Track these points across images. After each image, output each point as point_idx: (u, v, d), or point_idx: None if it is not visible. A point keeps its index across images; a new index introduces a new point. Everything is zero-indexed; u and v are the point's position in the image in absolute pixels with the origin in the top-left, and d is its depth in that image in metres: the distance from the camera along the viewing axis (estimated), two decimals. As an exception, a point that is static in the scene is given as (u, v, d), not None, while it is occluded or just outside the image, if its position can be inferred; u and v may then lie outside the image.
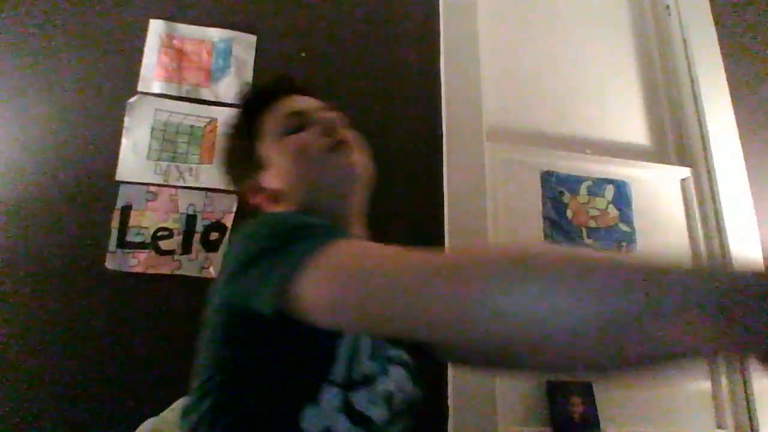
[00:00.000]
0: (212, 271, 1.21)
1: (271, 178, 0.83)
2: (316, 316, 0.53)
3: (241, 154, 0.88)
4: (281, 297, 0.53)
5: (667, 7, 1.85)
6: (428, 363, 0.81)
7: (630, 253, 0.44)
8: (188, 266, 1.21)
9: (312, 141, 0.80)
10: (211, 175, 1.28)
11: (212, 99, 1.34)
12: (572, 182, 1.56)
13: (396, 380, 0.72)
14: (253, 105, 0.88)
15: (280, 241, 0.58)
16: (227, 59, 1.38)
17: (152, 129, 1.29)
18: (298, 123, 0.82)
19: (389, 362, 0.73)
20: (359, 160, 0.83)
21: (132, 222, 1.21)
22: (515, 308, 0.43)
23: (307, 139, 0.81)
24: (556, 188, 1.54)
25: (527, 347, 0.52)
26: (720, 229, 1.57)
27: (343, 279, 0.52)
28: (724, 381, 1.46)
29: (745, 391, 1.44)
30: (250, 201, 0.87)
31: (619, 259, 0.45)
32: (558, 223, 1.51)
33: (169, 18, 1.38)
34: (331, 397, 0.62)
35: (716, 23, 1.81)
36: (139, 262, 1.19)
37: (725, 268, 0.42)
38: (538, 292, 0.43)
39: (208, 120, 1.33)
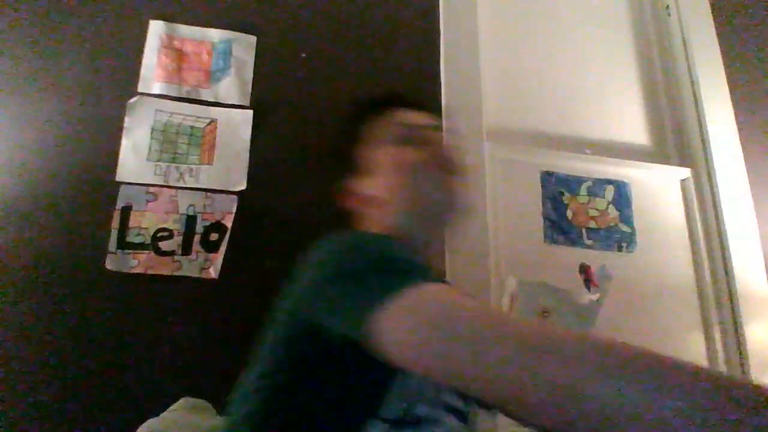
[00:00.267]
0: (212, 272, 1.21)
1: (372, 185, 0.82)
2: (394, 353, 0.52)
3: (343, 155, 0.88)
4: (359, 325, 0.53)
5: (667, 7, 1.84)
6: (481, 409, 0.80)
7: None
8: (188, 267, 1.21)
9: (429, 158, 0.79)
10: (211, 175, 1.28)
11: (212, 100, 1.34)
12: (572, 182, 1.56)
13: (449, 430, 0.70)
14: (364, 110, 0.88)
15: (370, 267, 0.58)
16: (227, 60, 1.38)
17: (152, 130, 1.29)
18: (413, 136, 0.81)
19: (446, 409, 0.71)
20: (465, 191, 0.81)
21: (132, 223, 1.22)
22: (621, 407, 0.40)
23: (424, 155, 0.79)
24: (556, 188, 1.54)
25: None
26: (720, 230, 1.57)
27: (433, 327, 0.50)
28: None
29: (746, 392, 1.44)
30: (340, 202, 0.87)
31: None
32: (558, 223, 1.51)
33: (169, 19, 1.38)
34: (375, 431, 0.62)
35: (716, 23, 1.81)
36: (139, 262, 1.19)
37: None
38: (634, 397, 0.40)
39: (208, 121, 1.33)
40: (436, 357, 0.49)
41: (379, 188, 0.81)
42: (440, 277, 0.69)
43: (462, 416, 0.75)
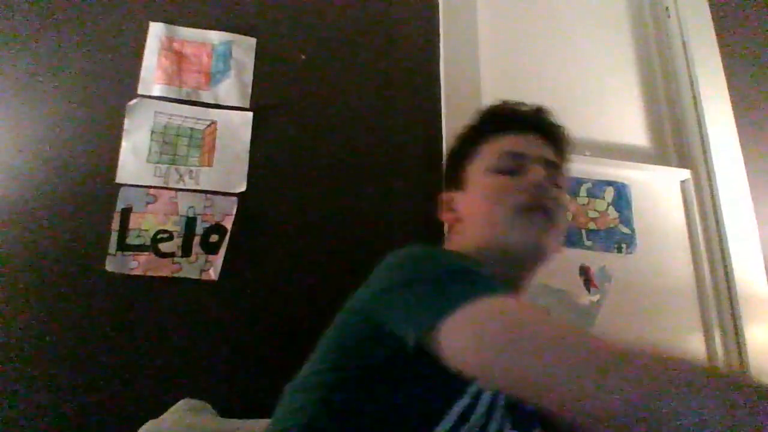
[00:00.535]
0: (212, 274, 1.21)
1: (463, 204, 0.83)
2: (458, 359, 0.53)
3: (452, 165, 0.88)
4: (429, 329, 0.54)
5: (667, 8, 1.84)
6: None
7: None
8: (188, 269, 1.21)
9: (514, 192, 0.76)
10: (211, 177, 1.29)
11: (212, 102, 1.34)
12: (572, 184, 1.56)
13: None
14: (486, 123, 0.87)
15: (443, 275, 0.59)
16: (227, 62, 1.38)
17: (152, 131, 1.29)
18: (513, 166, 0.79)
19: None
20: (551, 236, 0.78)
21: (132, 224, 1.22)
22: (691, 419, 0.41)
23: (510, 188, 0.77)
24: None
25: None
26: (720, 231, 1.57)
27: (498, 334, 0.51)
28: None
29: (745, 393, 1.44)
30: (438, 214, 0.87)
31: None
32: (558, 224, 1.50)
33: (169, 21, 1.38)
34: None
35: (716, 25, 1.81)
36: (138, 264, 1.19)
37: None
38: (708, 414, 0.40)
39: (208, 122, 1.33)
40: (502, 364, 0.50)
41: (465, 209, 0.82)
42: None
43: None
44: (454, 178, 0.87)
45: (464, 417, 0.63)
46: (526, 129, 0.85)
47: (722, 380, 0.43)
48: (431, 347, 0.54)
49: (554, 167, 0.83)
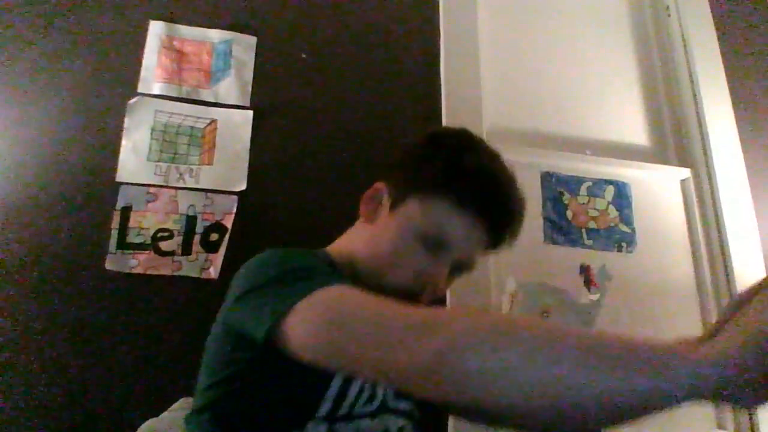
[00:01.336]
0: (212, 272, 1.21)
1: (380, 226, 0.78)
2: (299, 350, 0.56)
3: (405, 167, 0.81)
4: (273, 328, 0.57)
5: (667, 7, 1.84)
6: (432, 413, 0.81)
7: (627, 337, 0.45)
8: (188, 267, 1.21)
9: (415, 275, 0.73)
10: (211, 176, 1.29)
11: (212, 100, 1.35)
12: (572, 183, 1.56)
13: (386, 427, 0.72)
14: (464, 184, 0.74)
15: (284, 276, 0.62)
16: (227, 60, 1.38)
17: (152, 130, 1.29)
18: (438, 250, 0.73)
19: (387, 412, 0.73)
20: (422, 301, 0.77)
21: (132, 223, 1.22)
22: (488, 374, 0.43)
23: (414, 268, 0.73)
24: (556, 189, 1.54)
25: (507, 414, 0.48)
26: (720, 230, 1.57)
27: (326, 320, 0.55)
28: (724, 381, 1.45)
29: (746, 392, 1.44)
30: (363, 201, 0.84)
31: (623, 343, 0.44)
32: (558, 223, 1.51)
33: (169, 19, 1.38)
34: (316, 428, 0.65)
35: (716, 24, 1.81)
36: (139, 263, 1.19)
37: (716, 350, 0.41)
38: (516, 362, 0.43)
39: (208, 121, 1.33)
40: (331, 348, 0.54)
41: (377, 234, 0.78)
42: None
43: (412, 418, 0.78)
44: (396, 185, 0.80)
45: (342, 394, 0.67)
46: (490, 237, 0.76)
47: (543, 334, 0.44)
48: (278, 344, 0.57)
49: (461, 270, 0.78)
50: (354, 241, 0.82)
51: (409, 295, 0.72)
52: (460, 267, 0.77)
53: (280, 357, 0.58)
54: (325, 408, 0.65)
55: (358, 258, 0.78)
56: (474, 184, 0.74)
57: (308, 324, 0.55)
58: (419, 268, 0.74)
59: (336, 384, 0.66)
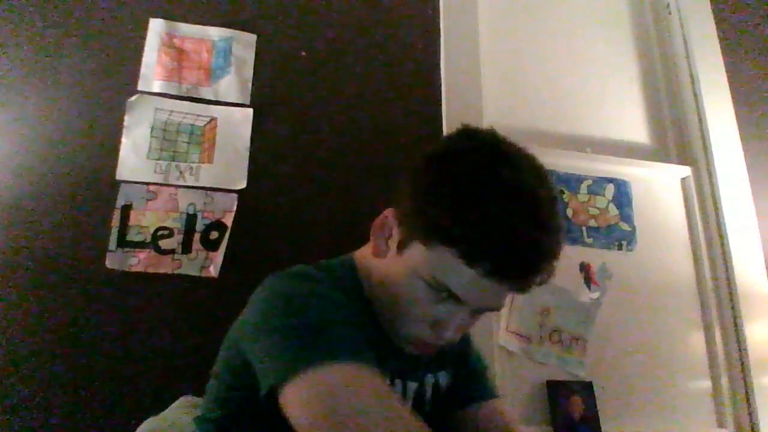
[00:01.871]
0: (212, 271, 1.21)
1: (390, 262, 0.69)
2: (292, 419, 0.55)
3: (408, 204, 0.68)
4: (273, 384, 0.57)
5: (668, 5, 1.84)
6: None
7: None
8: (188, 265, 1.21)
9: (425, 325, 0.67)
10: (211, 174, 1.28)
11: (212, 98, 1.34)
12: (572, 181, 1.56)
13: None
14: (477, 235, 0.60)
15: (295, 330, 0.59)
16: (227, 58, 1.38)
17: (152, 128, 1.29)
18: (452, 300, 0.64)
19: None
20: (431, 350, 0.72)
21: (132, 221, 1.21)
22: None
23: (437, 316, 0.66)
24: (556, 187, 1.54)
25: None
26: (720, 228, 1.57)
27: (322, 408, 0.54)
28: (724, 380, 1.46)
29: (746, 390, 1.44)
30: (371, 233, 0.74)
31: None
32: (558, 222, 1.50)
33: (169, 17, 1.37)
34: None
35: (716, 22, 1.81)
36: (139, 261, 1.19)
37: None
38: None
39: (208, 119, 1.32)
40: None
41: (387, 271, 0.69)
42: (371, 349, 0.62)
43: None
44: (402, 219, 0.69)
45: None
46: (511, 287, 0.64)
47: None
48: (277, 398, 0.57)
49: (490, 309, 0.69)
50: (371, 266, 0.74)
51: (428, 344, 0.69)
52: (482, 310, 0.68)
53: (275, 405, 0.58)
54: None
55: (376, 293, 0.72)
56: (484, 235, 0.59)
57: (305, 404, 0.55)
58: (436, 317, 0.66)
59: None
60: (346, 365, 0.57)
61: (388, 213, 0.72)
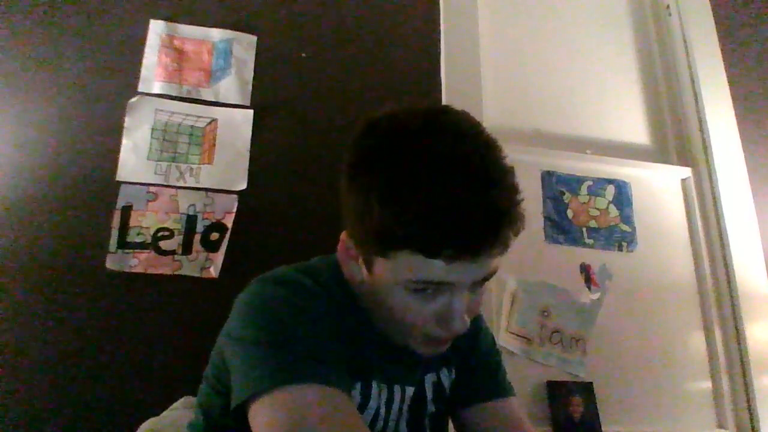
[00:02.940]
0: (212, 272, 1.21)
1: (370, 284, 0.66)
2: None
3: (351, 227, 0.64)
4: (240, 399, 0.56)
5: (668, 6, 1.84)
6: None
7: None
8: (188, 266, 1.21)
9: (423, 324, 0.63)
10: (212, 175, 1.28)
11: (213, 99, 1.34)
12: (573, 182, 1.56)
13: None
14: (411, 228, 0.56)
15: (271, 344, 0.58)
16: (228, 59, 1.38)
17: (153, 129, 1.29)
18: (431, 289, 0.61)
19: None
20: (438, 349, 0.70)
21: (132, 222, 1.22)
22: None
23: (421, 316, 0.63)
24: (557, 188, 1.54)
25: None
26: (720, 229, 1.57)
27: (285, 430, 0.53)
28: (725, 380, 1.45)
29: (746, 391, 1.44)
30: (342, 265, 0.70)
31: None
32: (558, 222, 1.51)
33: (170, 18, 1.38)
34: None
35: (717, 23, 1.81)
36: (139, 262, 1.19)
37: None
38: None
39: (208, 120, 1.33)
40: None
41: (372, 291, 0.66)
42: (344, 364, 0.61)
43: None
44: (356, 242, 0.65)
45: None
46: (467, 252, 0.57)
47: None
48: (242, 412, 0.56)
49: (483, 281, 0.63)
50: (356, 286, 0.70)
51: (441, 340, 0.66)
52: (476, 283, 0.63)
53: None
54: None
55: (370, 307, 0.69)
56: (430, 226, 0.56)
57: (269, 425, 0.54)
58: (436, 313, 0.63)
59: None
60: (311, 387, 0.55)
61: (344, 237, 0.68)
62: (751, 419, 1.42)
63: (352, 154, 0.64)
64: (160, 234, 1.22)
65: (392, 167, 0.58)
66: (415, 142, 0.59)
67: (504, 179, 0.60)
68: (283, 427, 0.53)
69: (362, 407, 0.67)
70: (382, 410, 0.70)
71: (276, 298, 0.63)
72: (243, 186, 1.29)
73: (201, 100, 1.34)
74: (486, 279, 0.63)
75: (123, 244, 1.20)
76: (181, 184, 1.26)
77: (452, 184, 0.56)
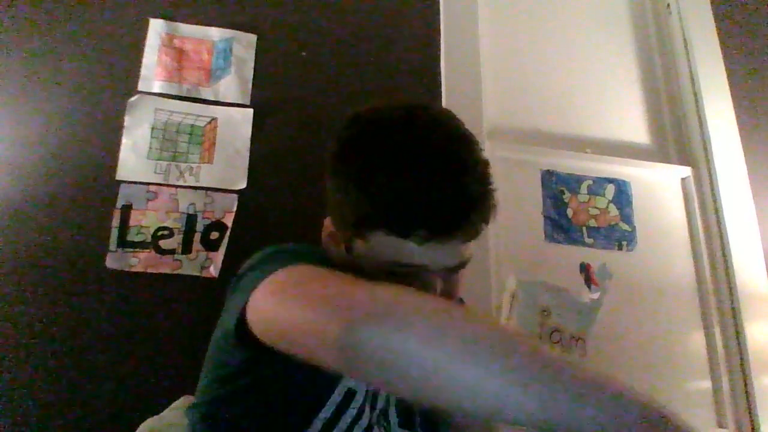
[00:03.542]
0: (212, 271, 1.21)
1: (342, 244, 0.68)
2: (257, 329, 0.53)
3: (331, 210, 0.69)
4: (241, 316, 0.55)
5: (668, 5, 1.84)
6: None
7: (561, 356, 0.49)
8: (188, 266, 1.21)
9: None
10: (212, 174, 1.28)
11: (212, 98, 1.34)
12: (573, 181, 1.56)
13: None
14: (382, 211, 0.60)
15: (260, 263, 0.61)
16: (228, 58, 1.38)
17: (152, 128, 1.29)
18: (408, 273, 0.62)
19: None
20: None
21: (132, 221, 1.21)
22: (387, 354, 0.40)
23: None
24: (557, 187, 1.54)
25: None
26: (721, 229, 1.57)
27: (275, 290, 0.53)
28: (724, 380, 1.46)
29: (746, 390, 1.44)
30: (325, 249, 0.75)
31: (551, 357, 0.41)
32: (558, 222, 1.51)
33: (170, 17, 1.37)
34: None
35: (717, 21, 1.80)
36: (139, 261, 1.19)
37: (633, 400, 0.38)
38: (414, 345, 0.40)
39: (208, 119, 1.33)
40: (273, 321, 0.52)
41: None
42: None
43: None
44: (336, 224, 0.69)
45: (336, 417, 0.64)
46: (437, 234, 0.60)
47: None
48: (248, 327, 0.54)
49: (456, 268, 0.65)
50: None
51: None
52: (450, 270, 0.65)
53: (268, 362, 0.56)
54: (325, 413, 0.63)
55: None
56: (403, 207, 0.59)
57: (270, 294, 0.53)
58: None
59: (329, 409, 0.64)
60: (301, 265, 0.55)
61: (327, 222, 0.73)
62: (751, 419, 1.42)
63: (335, 144, 0.67)
64: (159, 233, 1.22)
65: (370, 155, 0.62)
66: (394, 132, 0.63)
67: (476, 168, 0.62)
68: (285, 282, 0.52)
69: (350, 396, 0.67)
70: (370, 398, 0.70)
71: (276, 247, 0.68)
72: (243, 185, 1.29)
73: (201, 99, 1.34)
74: (459, 267, 0.65)
75: (123, 243, 1.20)
76: (181, 183, 1.26)
77: (426, 170, 0.59)
